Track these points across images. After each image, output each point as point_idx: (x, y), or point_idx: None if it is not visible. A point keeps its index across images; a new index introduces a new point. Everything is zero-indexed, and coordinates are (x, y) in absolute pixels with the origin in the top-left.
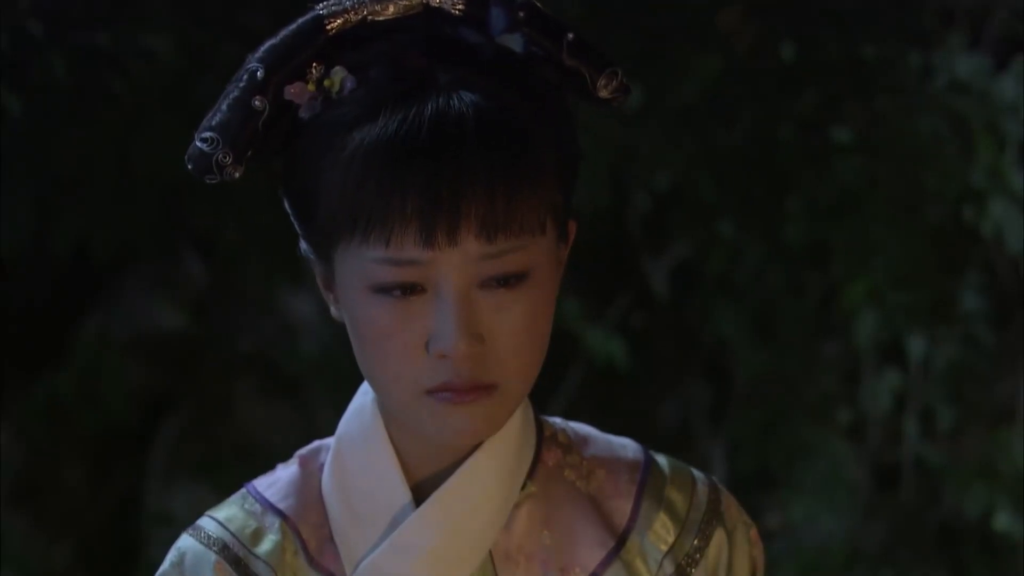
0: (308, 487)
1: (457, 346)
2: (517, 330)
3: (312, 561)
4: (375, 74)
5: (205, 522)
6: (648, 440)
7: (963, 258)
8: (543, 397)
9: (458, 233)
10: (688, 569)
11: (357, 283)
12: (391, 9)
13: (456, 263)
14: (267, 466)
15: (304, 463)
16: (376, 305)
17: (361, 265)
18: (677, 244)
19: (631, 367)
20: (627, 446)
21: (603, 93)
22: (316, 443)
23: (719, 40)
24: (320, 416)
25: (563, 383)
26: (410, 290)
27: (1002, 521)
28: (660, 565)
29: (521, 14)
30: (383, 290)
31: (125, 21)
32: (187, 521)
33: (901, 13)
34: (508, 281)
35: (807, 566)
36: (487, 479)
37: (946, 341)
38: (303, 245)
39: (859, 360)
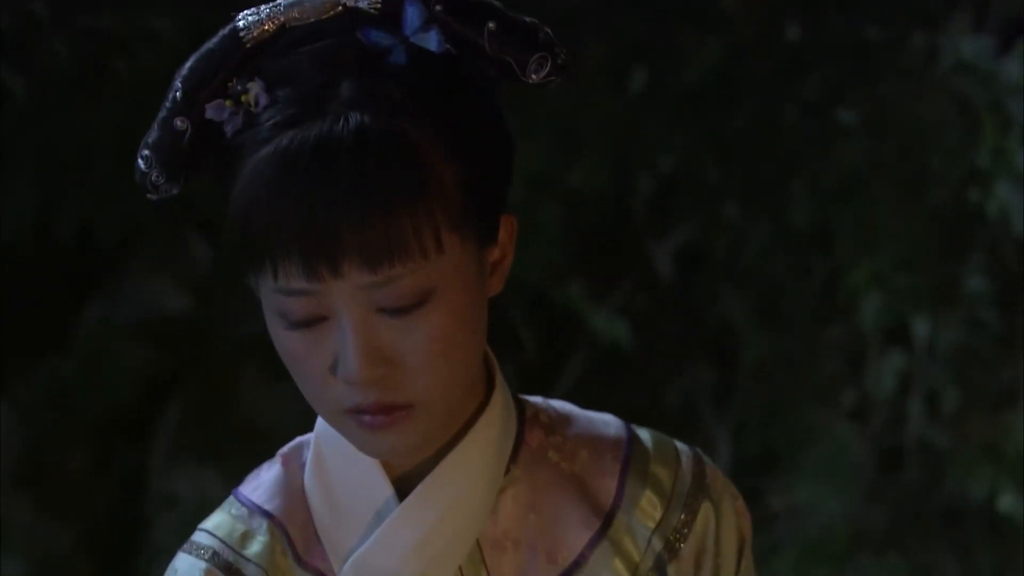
0: (292, 486)
1: (359, 373)
2: (426, 348)
3: (300, 560)
4: (284, 92)
5: (196, 535)
6: (652, 423)
7: (968, 240)
8: (547, 379)
9: (340, 265)
10: (677, 544)
11: (269, 307)
12: (308, 13)
13: (346, 292)
14: (272, 449)
15: (286, 462)
16: (285, 331)
17: (265, 293)
18: (681, 227)
19: (635, 350)
20: (609, 423)
21: (534, 78)
22: (298, 440)
23: (724, 23)
24: None
25: (567, 365)
26: (312, 321)
27: (1006, 503)
28: (649, 542)
29: (438, 7)
30: (288, 321)
31: (129, 4)
32: (191, 504)
33: None
34: (405, 308)
35: (811, 548)
36: (471, 467)
37: (950, 323)
38: None
39: (863, 343)
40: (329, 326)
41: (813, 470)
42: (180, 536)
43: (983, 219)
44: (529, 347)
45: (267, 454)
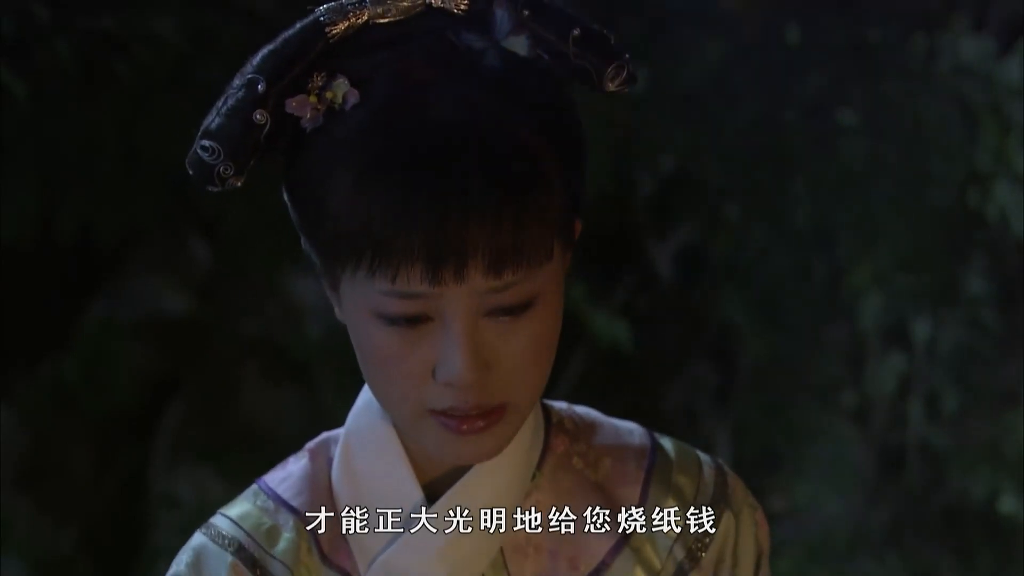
0: (319, 482)
1: (464, 375)
2: (524, 353)
3: (326, 559)
4: (377, 91)
5: (218, 520)
6: (653, 423)
7: (968, 241)
8: (548, 380)
9: (465, 270)
10: (699, 553)
11: (362, 307)
12: (393, 11)
13: (462, 295)
14: (273, 450)
15: (314, 456)
16: (382, 331)
17: (366, 293)
18: (682, 227)
19: (636, 350)
20: (633, 431)
21: (610, 86)
22: (324, 435)
23: (724, 23)
24: (326, 400)
25: (567, 366)
26: (416, 320)
27: (1007, 504)
28: (670, 551)
29: (526, 12)
30: (389, 319)
31: (129, 5)
32: (192, 505)
33: None
34: (514, 311)
35: (812, 549)
36: (501, 475)
37: (951, 324)
38: (305, 243)
39: (864, 343)
40: (431, 327)
41: (813, 470)
42: (181, 536)
43: (983, 220)
44: None
45: (268, 455)
